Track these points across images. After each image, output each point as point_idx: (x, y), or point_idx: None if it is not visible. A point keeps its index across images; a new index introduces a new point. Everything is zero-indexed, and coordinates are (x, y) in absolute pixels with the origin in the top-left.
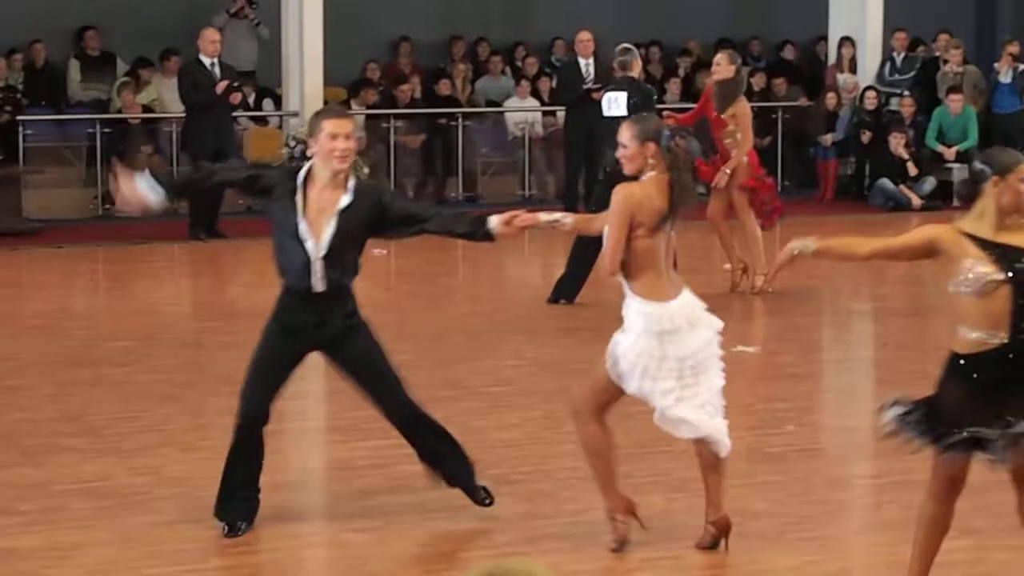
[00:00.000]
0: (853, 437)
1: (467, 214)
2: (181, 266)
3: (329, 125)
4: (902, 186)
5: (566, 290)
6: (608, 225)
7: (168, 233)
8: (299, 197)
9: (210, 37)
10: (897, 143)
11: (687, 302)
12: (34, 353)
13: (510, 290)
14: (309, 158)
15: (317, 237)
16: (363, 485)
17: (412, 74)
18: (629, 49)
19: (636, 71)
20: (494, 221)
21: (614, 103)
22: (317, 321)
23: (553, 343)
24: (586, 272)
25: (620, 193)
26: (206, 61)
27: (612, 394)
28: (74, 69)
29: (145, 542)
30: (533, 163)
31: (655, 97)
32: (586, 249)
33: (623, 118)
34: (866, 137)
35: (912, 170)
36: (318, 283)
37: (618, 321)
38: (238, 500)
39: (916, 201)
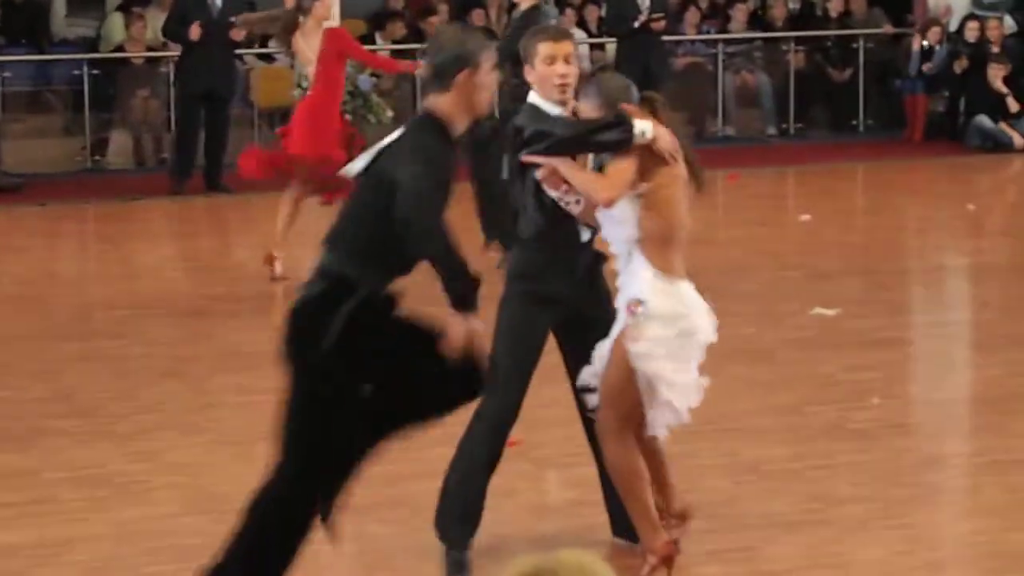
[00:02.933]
0: (948, 411)
1: None
2: (181, 225)
3: (544, 48)
4: (1002, 123)
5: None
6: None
7: (165, 187)
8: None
9: None
10: (996, 75)
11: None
12: (16, 325)
13: None
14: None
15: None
16: (387, 471)
17: (441, 3)
18: None
19: None
20: None
21: None
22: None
23: None
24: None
25: None
26: None
27: None
28: (59, 3)
29: (144, 536)
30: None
31: None
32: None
33: None
34: (960, 68)
35: (1013, 106)
36: (585, 232)
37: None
38: None
39: (1018, 141)
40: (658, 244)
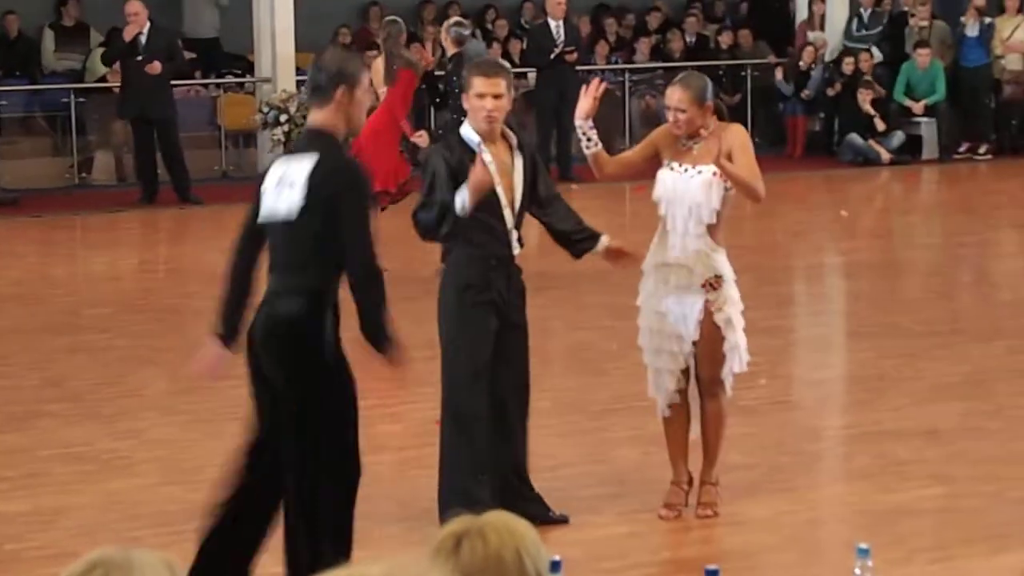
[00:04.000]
0: (824, 389)
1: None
2: (158, 233)
3: (478, 82)
4: (871, 141)
5: None
6: (751, 159)
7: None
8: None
9: (130, 9)
10: (864, 98)
11: None
12: (14, 321)
13: None
14: (282, 123)
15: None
16: None
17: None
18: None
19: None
20: None
21: None
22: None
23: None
24: None
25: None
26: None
27: None
28: (48, 39)
29: (128, 505)
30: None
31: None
32: None
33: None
34: (833, 92)
35: (880, 125)
36: (516, 246)
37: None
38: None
39: (885, 156)
40: (721, 228)
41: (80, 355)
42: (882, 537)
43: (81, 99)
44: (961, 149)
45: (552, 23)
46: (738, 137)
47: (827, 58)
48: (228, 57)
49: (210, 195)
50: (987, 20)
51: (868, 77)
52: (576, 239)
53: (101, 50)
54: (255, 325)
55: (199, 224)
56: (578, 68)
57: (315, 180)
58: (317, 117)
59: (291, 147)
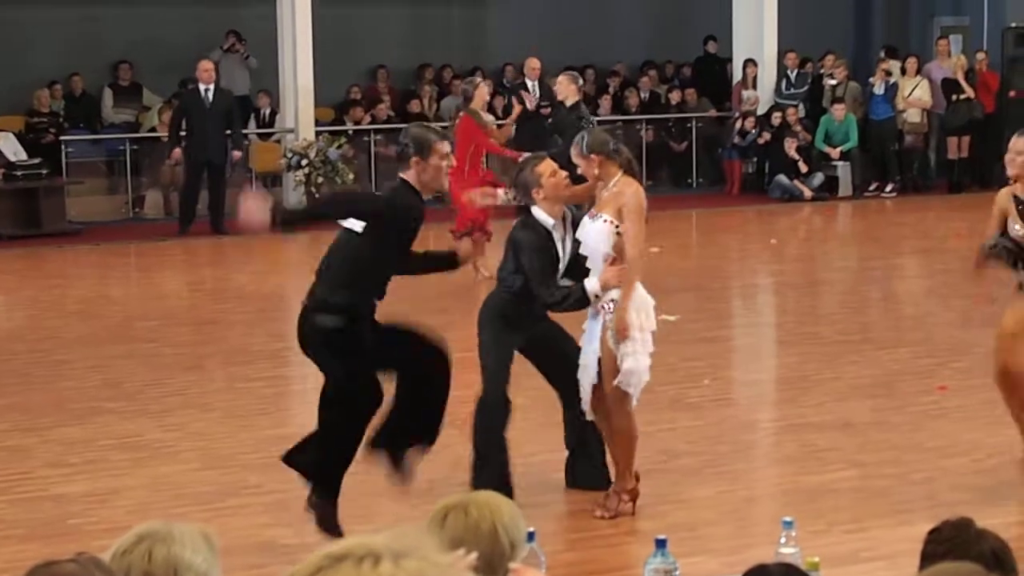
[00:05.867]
0: (758, 389)
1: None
2: (199, 258)
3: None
4: (796, 181)
5: None
6: (637, 226)
7: (191, 230)
8: None
9: (203, 67)
10: (790, 146)
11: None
12: (78, 333)
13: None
14: (303, 167)
15: None
16: None
17: (387, 95)
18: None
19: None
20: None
21: None
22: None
23: None
24: None
25: (638, 190)
26: (202, 88)
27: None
28: (107, 97)
29: (173, 486)
30: (490, 165)
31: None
32: None
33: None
34: (764, 140)
35: (803, 168)
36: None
37: None
38: None
39: (807, 193)
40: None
41: (133, 360)
42: (805, 512)
43: (135, 146)
44: (871, 188)
45: (529, 83)
46: (633, 199)
47: (758, 112)
48: (257, 111)
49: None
50: (891, 80)
51: (796, 128)
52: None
53: (156, 106)
54: None
55: (231, 251)
56: (549, 120)
57: None
58: (403, 174)
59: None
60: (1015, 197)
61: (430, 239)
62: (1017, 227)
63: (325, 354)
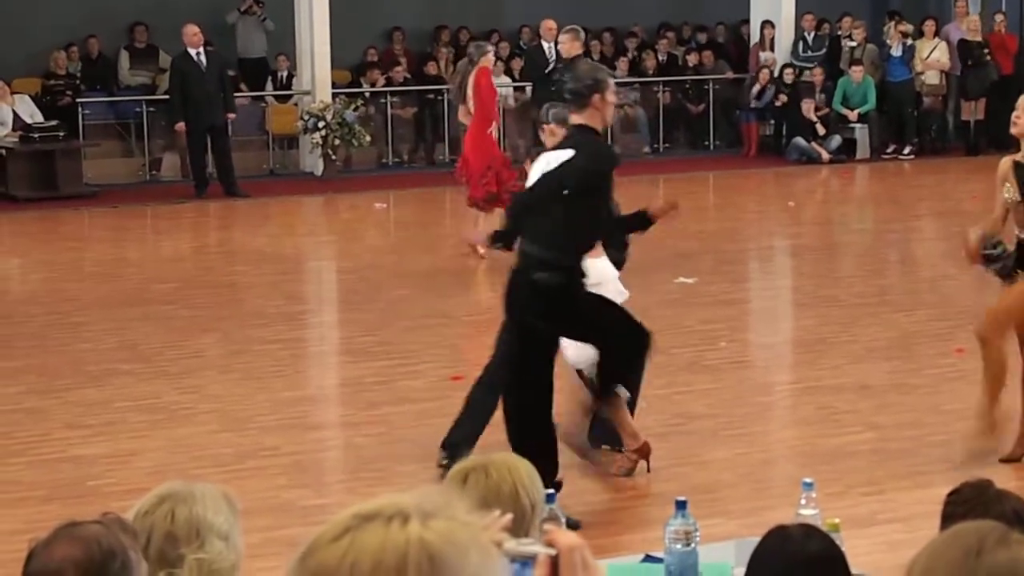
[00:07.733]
0: (775, 351)
1: None
2: (216, 221)
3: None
4: (813, 143)
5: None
6: None
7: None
8: None
9: (190, 31)
10: (808, 107)
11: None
12: (96, 295)
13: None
14: (320, 129)
15: None
16: (370, 398)
17: (404, 57)
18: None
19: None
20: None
21: None
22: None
23: None
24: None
25: None
26: (192, 52)
27: None
28: (124, 59)
29: (191, 448)
30: (506, 129)
31: None
32: None
33: None
34: (781, 102)
35: (821, 130)
36: None
37: None
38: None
39: (825, 156)
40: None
41: (150, 323)
42: (823, 474)
43: (151, 108)
44: (889, 150)
45: (545, 44)
46: None
47: (776, 75)
48: (274, 73)
49: (259, 190)
50: (909, 42)
51: (817, 88)
52: None
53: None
54: None
55: (247, 214)
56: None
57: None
58: (577, 118)
59: None
60: (1015, 163)
61: (447, 201)
62: (1007, 195)
63: (538, 313)
